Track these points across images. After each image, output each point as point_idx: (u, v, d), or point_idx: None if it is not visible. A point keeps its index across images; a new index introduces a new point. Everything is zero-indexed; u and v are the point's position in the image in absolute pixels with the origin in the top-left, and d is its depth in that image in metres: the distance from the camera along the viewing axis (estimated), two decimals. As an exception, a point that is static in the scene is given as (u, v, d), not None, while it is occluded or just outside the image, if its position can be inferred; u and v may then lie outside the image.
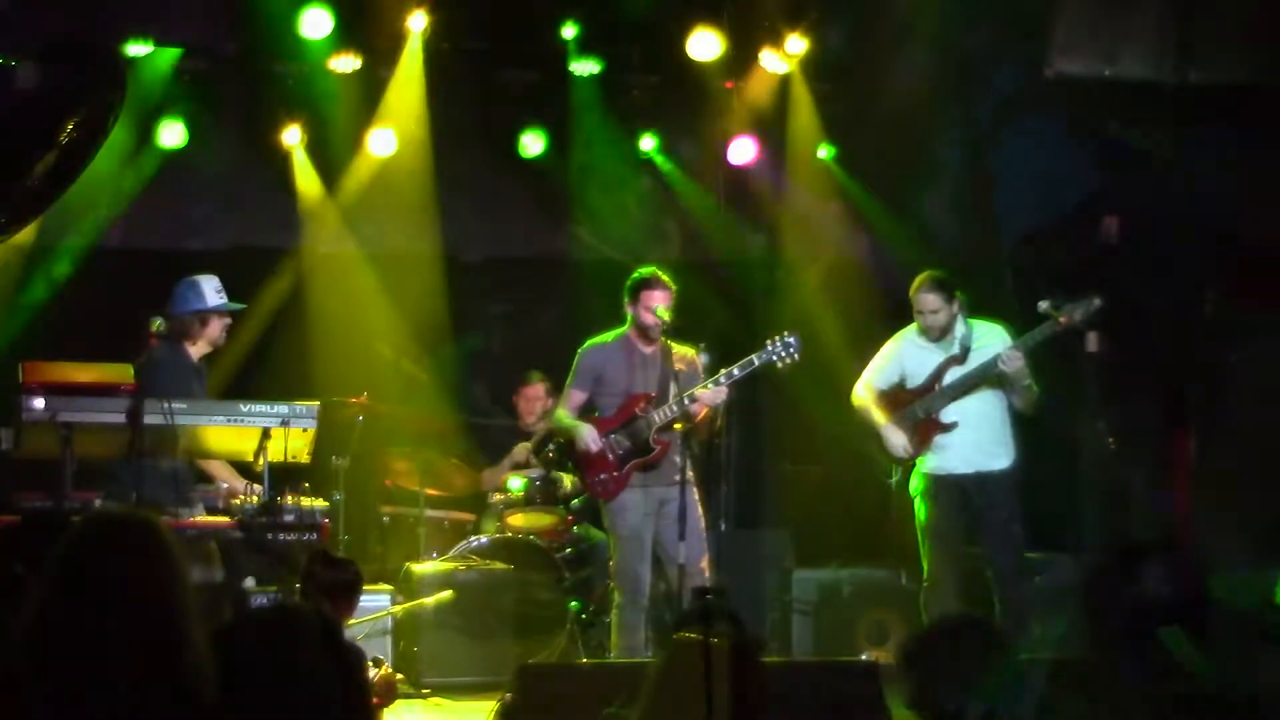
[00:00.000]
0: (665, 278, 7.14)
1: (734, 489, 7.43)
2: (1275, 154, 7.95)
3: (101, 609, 2.82)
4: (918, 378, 7.32)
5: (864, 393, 7.39)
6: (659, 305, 7.03)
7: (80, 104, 6.83)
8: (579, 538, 8.35)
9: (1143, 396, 8.44)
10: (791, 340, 7.01)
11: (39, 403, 6.00)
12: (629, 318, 7.17)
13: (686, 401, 6.91)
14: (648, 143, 9.21)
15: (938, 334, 7.24)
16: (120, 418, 6.07)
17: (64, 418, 6.02)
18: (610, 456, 7.11)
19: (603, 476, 7.14)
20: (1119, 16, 7.33)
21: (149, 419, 6.07)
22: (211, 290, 6.87)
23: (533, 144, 9.03)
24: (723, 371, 7.01)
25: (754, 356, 7.02)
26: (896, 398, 7.34)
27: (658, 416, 7.01)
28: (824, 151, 9.35)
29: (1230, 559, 5.34)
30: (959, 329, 7.22)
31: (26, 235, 8.15)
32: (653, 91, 9.03)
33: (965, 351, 7.21)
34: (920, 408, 7.27)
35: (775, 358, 7.01)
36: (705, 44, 8.58)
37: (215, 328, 6.91)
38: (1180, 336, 8.27)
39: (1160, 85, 7.39)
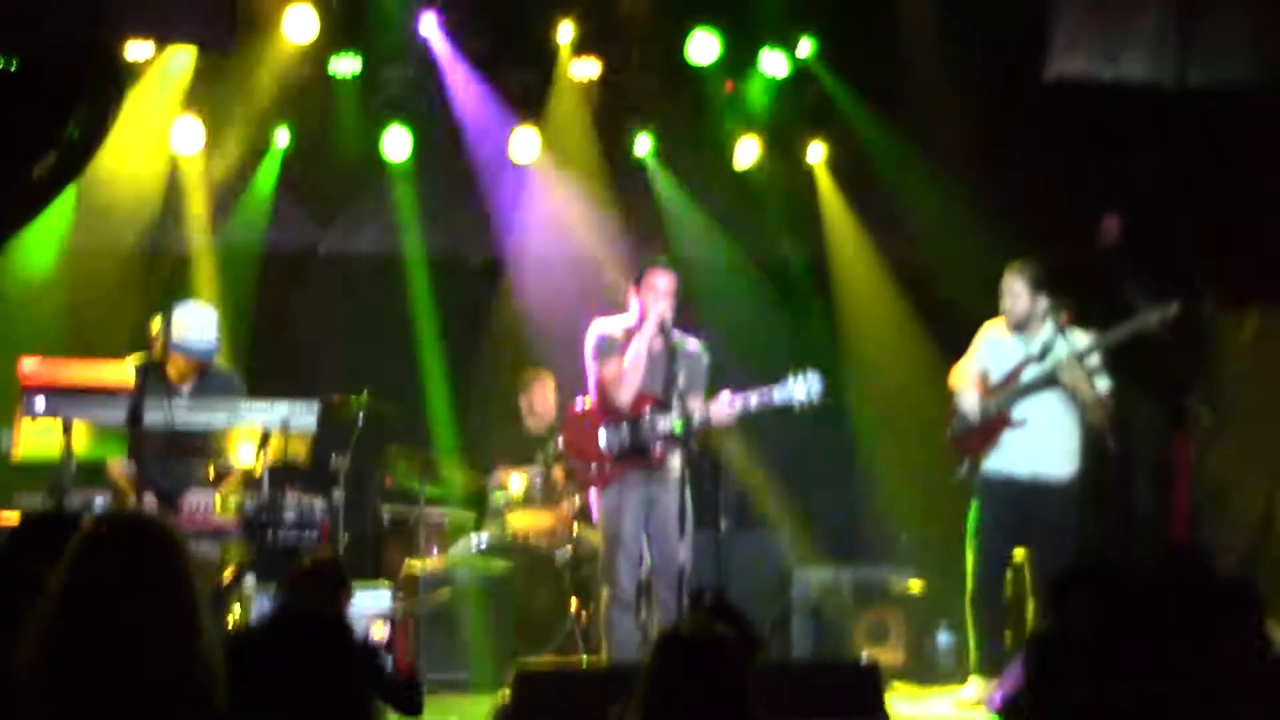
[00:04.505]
0: (668, 265, 7.10)
1: (734, 489, 7.41)
2: (1275, 153, 7.95)
3: (116, 611, 2.81)
4: (998, 371, 7.35)
5: (959, 379, 7.48)
6: (664, 288, 6.95)
7: (80, 104, 6.83)
8: (579, 538, 8.35)
9: (1143, 398, 8.44)
10: (816, 384, 6.83)
11: (40, 402, 5.99)
12: (634, 308, 7.07)
13: (696, 417, 6.79)
14: (644, 143, 9.23)
15: (1015, 323, 7.25)
16: (120, 418, 6.06)
17: (65, 417, 6.01)
18: (607, 449, 7.06)
19: (594, 466, 7.08)
20: (1119, 17, 7.32)
21: (149, 419, 6.06)
22: (181, 327, 6.59)
23: (531, 144, 9.05)
24: (740, 397, 6.87)
25: (775, 393, 6.85)
26: (982, 389, 7.41)
27: (663, 424, 6.88)
28: (819, 152, 9.38)
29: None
30: (1045, 329, 7.20)
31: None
32: (652, 92, 9.04)
33: (1045, 352, 7.20)
34: (993, 403, 7.29)
35: (794, 400, 6.83)
36: (704, 45, 8.60)
37: (177, 361, 6.69)
38: (1180, 337, 8.27)
39: (1160, 85, 7.38)
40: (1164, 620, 2.91)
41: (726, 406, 6.87)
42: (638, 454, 6.99)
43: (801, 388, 6.84)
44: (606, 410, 7.05)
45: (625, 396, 6.98)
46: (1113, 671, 2.85)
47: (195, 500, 6.50)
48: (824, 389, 6.85)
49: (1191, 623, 3.15)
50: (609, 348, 7.06)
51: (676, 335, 7.03)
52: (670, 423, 6.82)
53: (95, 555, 2.88)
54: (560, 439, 7.45)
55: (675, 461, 6.84)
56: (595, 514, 7.17)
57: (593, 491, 7.17)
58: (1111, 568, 3.42)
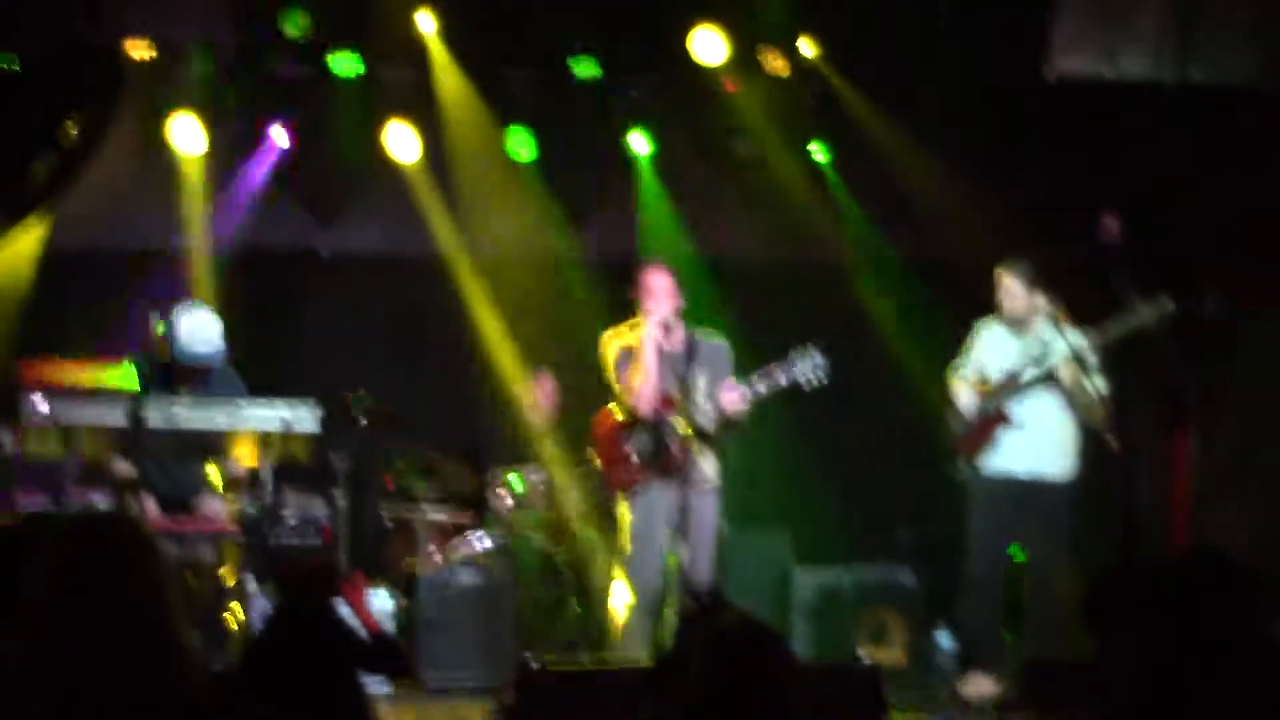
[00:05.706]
0: (662, 264, 7.08)
1: (734, 489, 7.40)
2: (1275, 154, 7.95)
3: (89, 610, 2.82)
4: (995, 369, 7.34)
5: (956, 378, 7.47)
6: (660, 286, 6.91)
7: (80, 104, 6.84)
8: (579, 538, 8.34)
9: (1142, 396, 8.44)
10: (820, 360, 6.77)
11: (41, 403, 5.98)
12: (639, 311, 7.01)
13: (711, 410, 6.79)
14: (644, 143, 9.24)
15: (1012, 321, 7.25)
16: (120, 418, 6.05)
17: (65, 418, 6.01)
18: (632, 455, 7.02)
19: (622, 474, 7.06)
20: (1119, 16, 7.34)
21: (149, 420, 6.06)
22: (186, 335, 6.57)
23: (527, 143, 9.05)
24: (746, 383, 6.84)
25: (780, 374, 6.80)
26: (979, 388, 7.39)
27: (680, 424, 6.79)
28: (820, 151, 9.39)
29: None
30: (1042, 327, 7.21)
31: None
32: (653, 91, 9.04)
33: (1043, 350, 7.20)
34: (991, 402, 7.29)
35: (802, 378, 6.78)
36: (708, 44, 8.60)
37: (179, 369, 6.67)
38: (1180, 336, 8.28)
39: (1160, 85, 7.39)
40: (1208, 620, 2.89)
41: (737, 397, 6.85)
42: (661, 457, 6.95)
43: (807, 364, 6.78)
44: (631, 418, 7.04)
45: (644, 403, 6.97)
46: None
47: (198, 505, 6.51)
48: (828, 368, 6.77)
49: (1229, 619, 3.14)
50: (625, 355, 7.04)
51: (688, 338, 6.97)
52: (684, 423, 6.75)
53: (66, 555, 2.90)
54: (593, 452, 7.45)
55: (699, 463, 6.83)
56: (623, 515, 7.15)
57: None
58: (1150, 571, 3.38)
